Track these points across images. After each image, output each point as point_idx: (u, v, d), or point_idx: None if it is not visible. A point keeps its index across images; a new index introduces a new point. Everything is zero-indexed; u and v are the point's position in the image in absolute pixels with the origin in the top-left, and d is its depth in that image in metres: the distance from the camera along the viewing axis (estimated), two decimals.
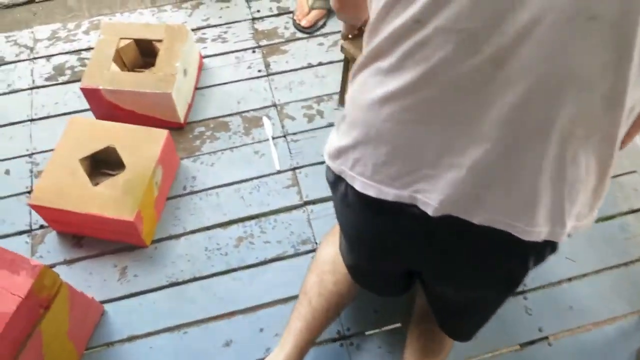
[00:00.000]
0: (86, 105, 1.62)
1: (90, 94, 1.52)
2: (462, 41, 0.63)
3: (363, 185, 0.76)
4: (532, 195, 0.68)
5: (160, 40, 1.59)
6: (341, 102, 1.62)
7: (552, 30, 0.59)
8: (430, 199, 0.71)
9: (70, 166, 1.37)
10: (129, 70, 1.62)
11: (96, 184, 1.36)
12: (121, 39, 1.59)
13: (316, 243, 1.42)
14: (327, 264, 1.19)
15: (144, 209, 1.33)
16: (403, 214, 0.75)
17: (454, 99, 0.67)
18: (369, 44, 0.76)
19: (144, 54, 1.65)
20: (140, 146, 1.40)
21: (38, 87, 1.70)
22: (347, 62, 1.45)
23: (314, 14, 1.80)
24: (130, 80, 1.51)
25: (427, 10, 0.64)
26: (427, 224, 0.73)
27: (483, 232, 0.70)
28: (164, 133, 1.42)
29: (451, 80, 0.66)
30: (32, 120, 1.64)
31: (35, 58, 1.77)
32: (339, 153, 0.80)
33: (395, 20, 0.69)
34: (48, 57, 1.77)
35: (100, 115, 1.60)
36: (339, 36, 1.76)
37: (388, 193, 0.74)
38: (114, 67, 1.54)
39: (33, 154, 1.57)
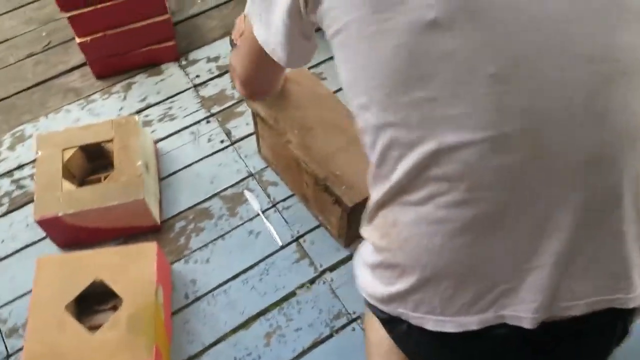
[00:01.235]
0: (41, 234, 1.40)
1: (49, 224, 1.31)
2: (491, 150, 0.57)
3: (436, 323, 0.66)
4: (623, 263, 0.63)
5: (110, 140, 1.40)
6: (259, 152, 1.53)
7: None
8: (521, 312, 0.63)
9: (56, 317, 1.16)
10: (79, 184, 1.41)
11: (92, 329, 1.17)
12: (64, 150, 1.38)
13: (349, 313, 1.30)
14: (384, 346, 1.08)
15: (159, 341, 1.16)
16: (489, 336, 0.65)
17: (514, 208, 0.60)
18: (379, 185, 0.68)
19: (91, 158, 1.45)
20: (130, 269, 1.21)
21: None
22: (255, 116, 1.38)
23: None
24: (92, 196, 1.31)
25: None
26: (521, 338, 0.65)
27: (583, 319, 0.64)
28: (152, 247, 1.24)
29: (502, 193, 0.59)
30: None
31: None
32: (391, 299, 0.69)
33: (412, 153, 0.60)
34: None
35: (62, 242, 1.39)
36: None
37: (470, 322, 0.64)
38: (67, 185, 1.34)
39: None
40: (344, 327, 1.29)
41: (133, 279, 1.20)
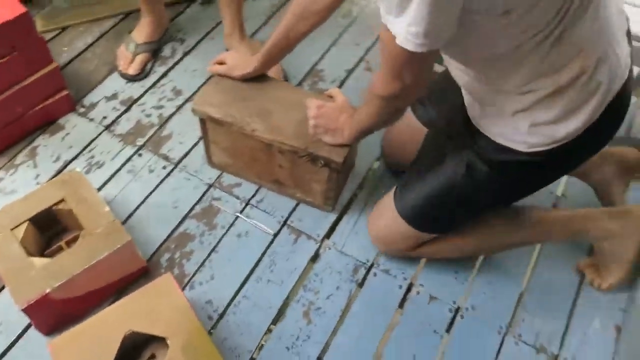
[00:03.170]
0: (15, 332, 1.24)
1: (36, 308, 1.16)
2: None
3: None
4: None
5: (61, 201, 1.28)
6: (210, 162, 1.52)
7: None
8: None
9: None
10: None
11: None
12: (13, 229, 1.23)
13: (364, 263, 1.38)
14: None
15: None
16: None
17: None
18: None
19: (42, 229, 1.31)
20: (160, 307, 1.14)
21: None
22: (204, 123, 1.38)
23: (139, 59, 1.71)
24: (74, 260, 1.19)
25: None
26: None
27: None
28: (168, 278, 1.18)
29: None
30: None
31: None
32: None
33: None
34: None
35: (50, 326, 1.24)
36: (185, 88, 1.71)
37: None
38: (37, 261, 1.20)
39: None
40: (365, 276, 1.36)
41: (169, 315, 1.13)
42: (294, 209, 1.47)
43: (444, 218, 1.21)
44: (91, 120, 1.61)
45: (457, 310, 1.31)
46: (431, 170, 1.16)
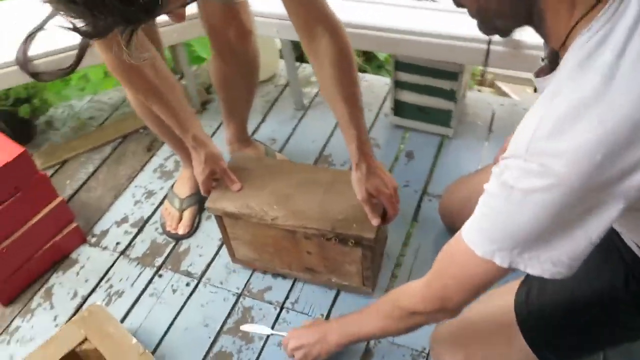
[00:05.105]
0: None
1: None
2: None
3: None
4: None
5: (84, 341, 1.17)
6: (234, 259, 1.42)
7: None
8: None
9: None
10: None
11: None
12: None
13: (421, 352, 1.24)
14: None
15: None
16: None
17: None
18: None
19: None
20: None
21: None
22: (221, 220, 1.31)
23: (188, 215, 1.55)
24: None
25: None
26: None
27: None
28: None
29: None
30: None
31: None
32: None
33: None
34: None
35: None
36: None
37: None
38: None
39: None
40: None
41: None
42: (333, 303, 1.35)
43: (573, 339, 0.91)
44: (104, 248, 1.54)
45: None
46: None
